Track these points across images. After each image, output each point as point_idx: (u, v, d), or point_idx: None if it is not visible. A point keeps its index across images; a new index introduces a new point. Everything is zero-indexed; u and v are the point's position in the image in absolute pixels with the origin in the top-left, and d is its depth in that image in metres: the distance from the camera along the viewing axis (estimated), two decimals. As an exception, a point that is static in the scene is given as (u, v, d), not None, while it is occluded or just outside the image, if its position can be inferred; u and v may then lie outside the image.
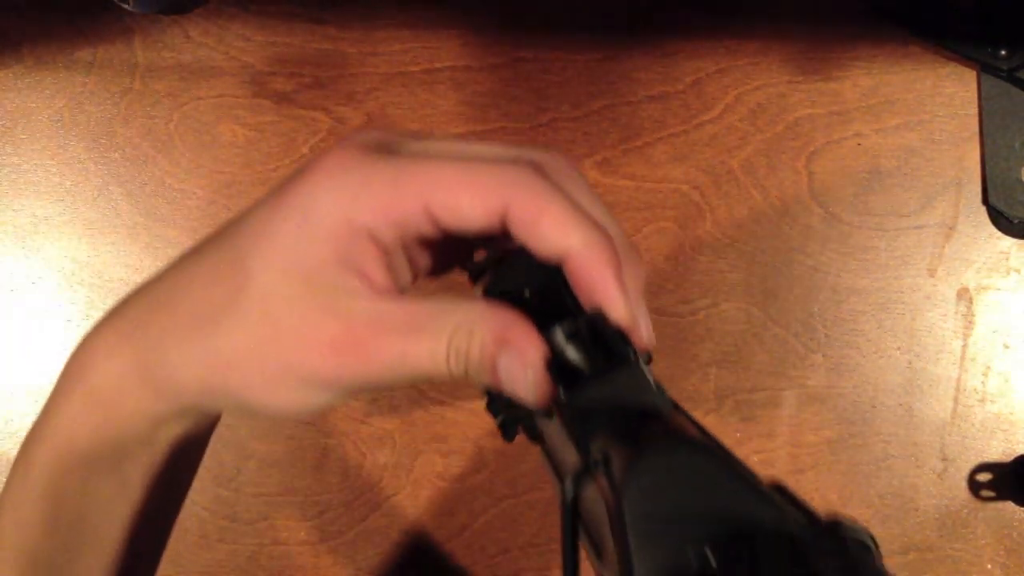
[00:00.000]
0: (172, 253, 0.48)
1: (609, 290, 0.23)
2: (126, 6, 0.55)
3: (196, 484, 0.58)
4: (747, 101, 0.58)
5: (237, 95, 0.58)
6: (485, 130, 0.58)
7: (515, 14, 0.58)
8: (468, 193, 0.22)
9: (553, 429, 0.26)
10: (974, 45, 0.56)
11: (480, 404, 0.59)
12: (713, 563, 0.16)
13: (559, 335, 0.22)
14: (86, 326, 0.30)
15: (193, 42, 0.57)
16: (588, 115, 0.58)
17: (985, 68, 0.57)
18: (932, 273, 0.58)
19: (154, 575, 0.33)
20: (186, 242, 0.46)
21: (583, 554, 0.21)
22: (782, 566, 0.15)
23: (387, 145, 0.25)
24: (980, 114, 0.57)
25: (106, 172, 0.58)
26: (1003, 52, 0.56)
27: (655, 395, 0.20)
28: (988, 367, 0.58)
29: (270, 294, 0.24)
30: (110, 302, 0.32)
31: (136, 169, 0.58)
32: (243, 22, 0.58)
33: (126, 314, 0.27)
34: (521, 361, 0.22)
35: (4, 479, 0.29)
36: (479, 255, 0.29)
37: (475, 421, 0.59)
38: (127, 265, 0.58)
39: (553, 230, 0.22)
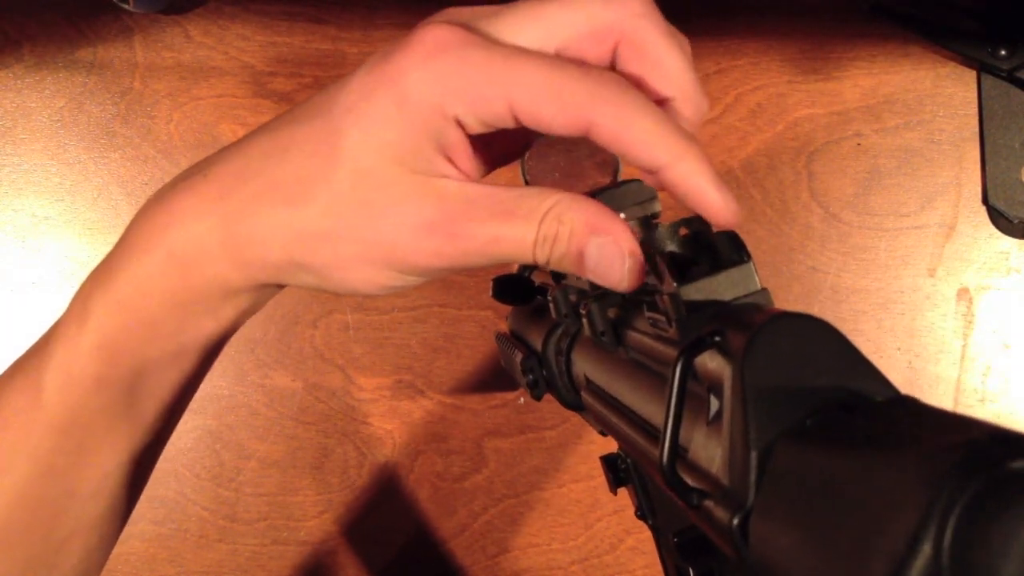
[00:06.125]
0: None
1: (707, 200, 0.23)
2: (126, 6, 0.55)
3: (196, 484, 0.59)
4: (747, 101, 0.58)
5: (237, 95, 0.58)
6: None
7: (515, 14, 0.58)
8: (554, 104, 0.23)
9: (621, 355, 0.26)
10: (974, 45, 0.56)
11: (480, 404, 0.59)
12: (817, 426, 0.16)
13: (667, 234, 0.22)
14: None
15: (193, 42, 0.58)
16: (588, 115, 0.58)
17: (985, 68, 0.57)
18: (932, 273, 0.58)
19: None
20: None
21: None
22: (878, 431, 0.15)
23: (474, 25, 0.24)
24: (980, 114, 0.57)
25: (106, 172, 0.58)
26: (1003, 52, 0.56)
27: (763, 294, 0.21)
28: (988, 367, 0.58)
29: (364, 171, 0.24)
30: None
31: (136, 169, 0.58)
32: (243, 22, 0.58)
33: (212, 177, 0.26)
34: (617, 248, 0.23)
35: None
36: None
37: (475, 421, 0.59)
38: (127, 265, 0.58)
39: (640, 150, 0.23)
